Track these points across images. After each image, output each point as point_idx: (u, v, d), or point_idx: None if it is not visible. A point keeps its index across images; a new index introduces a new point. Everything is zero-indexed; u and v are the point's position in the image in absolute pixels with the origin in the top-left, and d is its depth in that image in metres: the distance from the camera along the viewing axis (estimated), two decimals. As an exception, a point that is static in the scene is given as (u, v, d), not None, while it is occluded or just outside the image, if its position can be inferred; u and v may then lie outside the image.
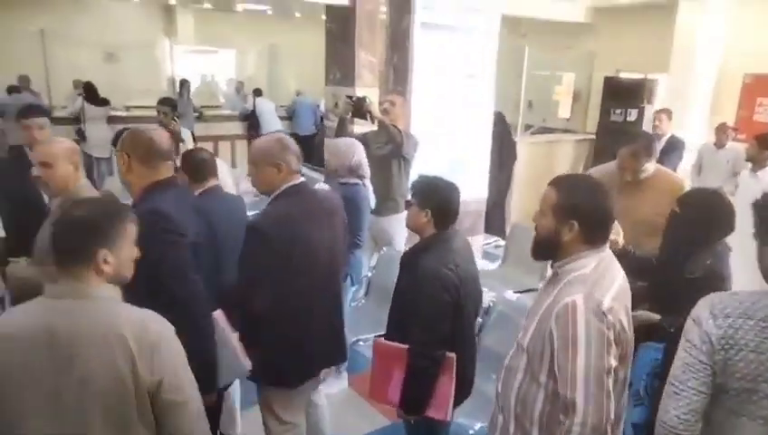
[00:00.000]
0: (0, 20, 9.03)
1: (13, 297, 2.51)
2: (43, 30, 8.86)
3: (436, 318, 2.03)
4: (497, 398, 1.76)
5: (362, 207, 3.22)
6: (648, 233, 2.49)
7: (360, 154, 3.24)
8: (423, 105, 4.90)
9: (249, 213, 2.77)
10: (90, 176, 6.41)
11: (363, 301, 3.86)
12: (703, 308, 1.38)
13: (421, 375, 2.06)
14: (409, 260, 2.19)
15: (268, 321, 2.11)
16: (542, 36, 8.39)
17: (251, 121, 9.06)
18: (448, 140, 5.03)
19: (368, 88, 5.11)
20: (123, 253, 1.44)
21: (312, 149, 8.73)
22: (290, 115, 9.57)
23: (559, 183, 1.64)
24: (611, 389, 1.47)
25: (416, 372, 2.07)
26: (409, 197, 2.22)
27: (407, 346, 2.09)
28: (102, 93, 7.60)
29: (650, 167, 2.81)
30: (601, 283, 1.54)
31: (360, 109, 3.84)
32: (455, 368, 2.07)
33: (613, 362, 1.48)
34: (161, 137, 2.00)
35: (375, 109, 3.90)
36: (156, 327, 1.40)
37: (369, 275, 3.91)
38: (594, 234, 1.59)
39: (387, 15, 5.07)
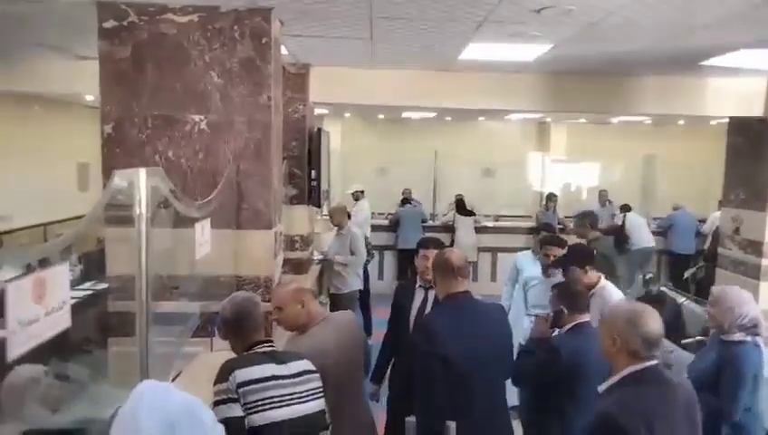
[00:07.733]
0: (407, 143, 11.10)
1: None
2: (437, 151, 10.33)
3: None
4: None
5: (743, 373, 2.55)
6: None
7: (754, 309, 2.64)
8: None
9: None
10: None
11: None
12: None
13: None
14: None
15: None
16: None
17: (618, 236, 8.46)
18: None
19: (786, 213, 4.14)
20: None
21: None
22: (664, 231, 8.59)
23: None
24: None
25: None
26: None
27: None
28: (477, 204, 8.68)
29: None
30: None
31: None
32: None
33: None
34: (456, 256, 2.45)
35: None
36: None
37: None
38: None
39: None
